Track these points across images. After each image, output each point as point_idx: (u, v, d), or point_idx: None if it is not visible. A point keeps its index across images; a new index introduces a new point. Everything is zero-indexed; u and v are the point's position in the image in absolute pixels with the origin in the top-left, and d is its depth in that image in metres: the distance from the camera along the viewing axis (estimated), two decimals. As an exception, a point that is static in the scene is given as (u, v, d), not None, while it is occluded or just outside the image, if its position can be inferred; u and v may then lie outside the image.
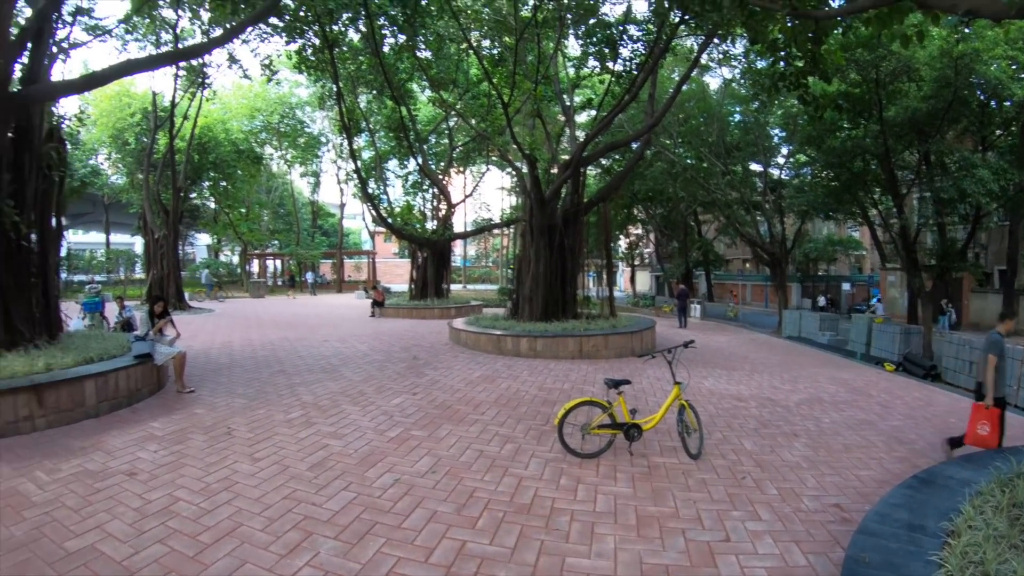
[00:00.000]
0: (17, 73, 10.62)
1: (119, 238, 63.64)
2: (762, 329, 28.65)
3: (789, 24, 8.69)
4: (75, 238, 64.06)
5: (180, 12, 25.25)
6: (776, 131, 31.85)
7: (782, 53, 10.15)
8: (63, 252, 11.95)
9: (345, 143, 34.36)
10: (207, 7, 21.52)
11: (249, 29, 16.60)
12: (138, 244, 57.15)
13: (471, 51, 22.80)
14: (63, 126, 12.00)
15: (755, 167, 34.85)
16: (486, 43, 22.36)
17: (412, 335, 19.10)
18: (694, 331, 24.34)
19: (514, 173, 26.52)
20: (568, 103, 20.63)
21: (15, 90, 10.20)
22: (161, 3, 23.91)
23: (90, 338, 11.26)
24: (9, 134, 10.02)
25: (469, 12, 21.21)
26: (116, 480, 6.09)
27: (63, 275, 30.25)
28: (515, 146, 19.24)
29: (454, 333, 17.47)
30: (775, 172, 34.26)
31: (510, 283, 41.34)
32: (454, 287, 34.60)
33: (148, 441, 7.42)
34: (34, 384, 7.86)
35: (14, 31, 10.52)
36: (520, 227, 22.97)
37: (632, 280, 63.66)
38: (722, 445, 7.82)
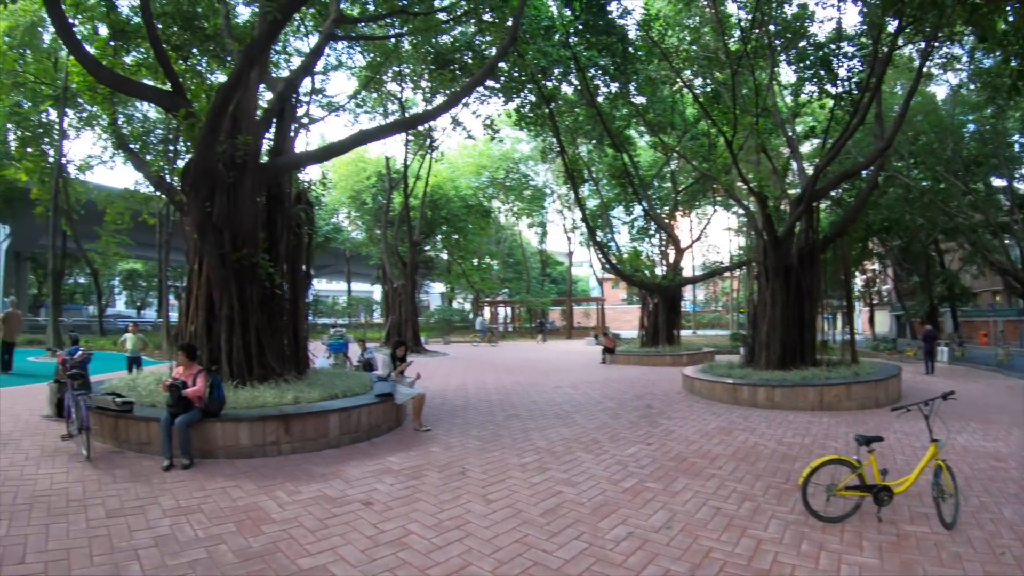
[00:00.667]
0: (266, 147, 12.31)
1: (359, 286, 70.68)
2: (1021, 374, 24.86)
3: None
4: (321, 286, 71.53)
5: (402, 84, 27.68)
6: (1018, 138, 28.69)
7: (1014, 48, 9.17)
8: (310, 299, 13.51)
9: (569, 193, 35.23)
10: (426, 78, 23.35)
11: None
12: (376, 292, 62.58)
13: (685, 90, 22.63)
14: (309, 190, 13.52)
15: (998, 182, 31.38)
16: (698, 81, 22.10)
17: (644, 382, 18.72)
18: (943, 378, 21.61)
19: (741, 212, 25.68)
20: (790, 133, 19.79)
21: (265, 161, 11.80)
22: (385, 78, 26.24)
23: (334, 376, 12.39)
24: (263, 199, 11.59)
25: (679, 52, 21.12)
26: (352, 508, 6.45)
27: (310, 319, 33.59)
28: (742, 184, 18.71)
29: (687, 381, 16.83)
30: (1022, 186, 30.56)
31: (741, 328, 39.81)
32: (684, 333, 33.99)
33: (385, 474, 7.80)
34: (283, 414, 8.88)
35: (259, 112, 12.22)
36: (754, 269, 22.13)
37: (871, 321, 58.28)
38: (979, 513, 6.74)
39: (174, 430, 8.02)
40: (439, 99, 25.10)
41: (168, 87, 11.26)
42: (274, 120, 12.41)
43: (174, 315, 38.12)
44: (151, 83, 14.41)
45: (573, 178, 27.24)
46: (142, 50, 15.33)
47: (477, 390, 16.29)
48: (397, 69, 26.52)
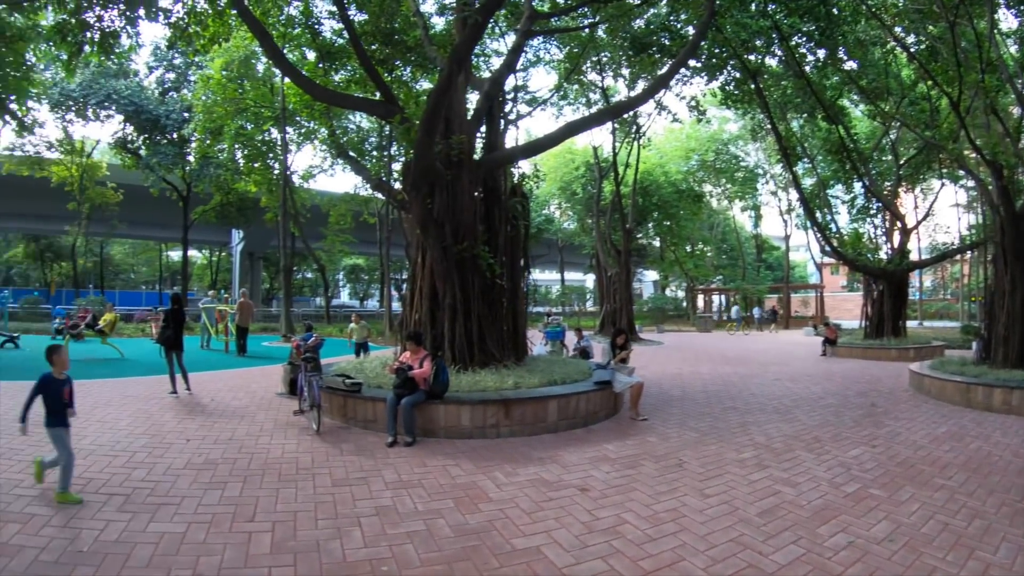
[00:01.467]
0: (479, 145, 12.97)
1: (571, 275, 71.38)
2: None
3: None
4: (535, 276, 73.70)
5: (603, 73, 27.71)
6: None
7: None
8: (528, 288, 13.99)
9: (783, 172, 33.31)
10: (626, 64, 23.18)
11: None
12: (588, 280, 62.86)
13: (898, 50, 20.97)
14: (523, 183, 14.03)
15: None
16: (911, 39, 20.17)
17: (867, 378, 17.36)
18: None
19: (971, 185, 22.93)
20: (1021, 89, 17.43)
21: (479, 158, 12.44)
22: (584, 68, 26.38)
23: (552, 363, 12.70)
24: (480, 193, 12.24)
25: (887, 8, 19.40)
26: (568, 493, 6.51)
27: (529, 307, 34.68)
28: (971, 152, 16.70)
29: (915, 378, 15.23)
30: None
31: (973, 319, 36.09)
32: (910, 324, 31.05)
33: (602, 461, 7.82)
34: (504, 398, 9.31)
35: (469, 113, 12.88)
36: (989, 251, 19.83)
37: None
38: None
39: (399, 410, 8.64)
40: (641, 85, 24.96)
41: (379, 98, 12.18)
42: (484, 119, 12.97)
43: (396, 305, 41.18)
44: (361, 96, 15.59)
45: (787, 155, 25.68)
46: (349, 68, 16.63)
47: (693, 380, 15.94)
48: (595, 59, 26.70)
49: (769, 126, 25.06)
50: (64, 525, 5.28)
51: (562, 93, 28.09)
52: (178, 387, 11.92)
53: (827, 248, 27.74)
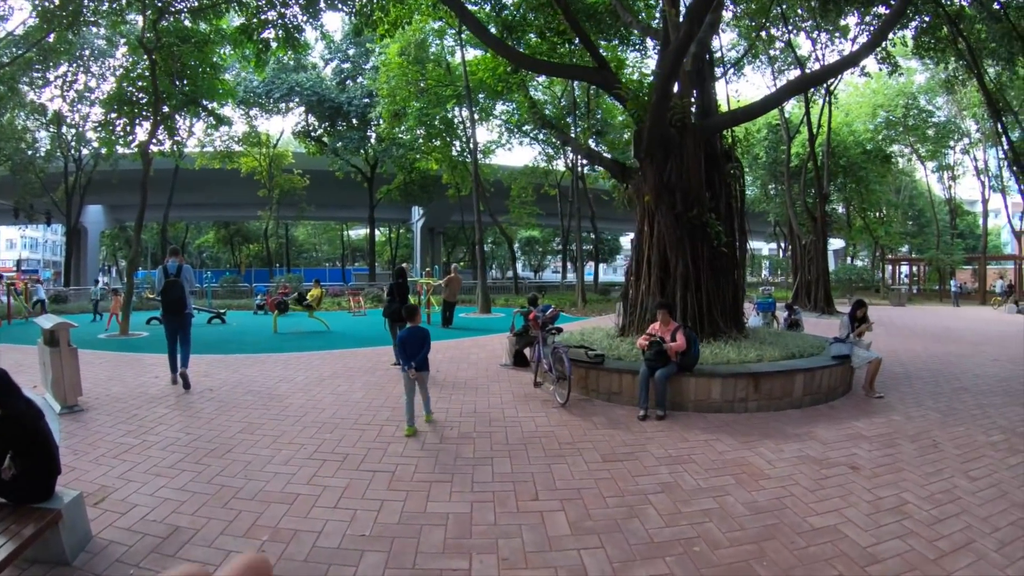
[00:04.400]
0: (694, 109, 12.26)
1: (752, 244, 68.53)
2: None
3: None
4: None
5: (788, 28, 25.94)
6: None
7: None
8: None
9: (977, 128, 29.83)
10: (828, 28, 21.49)
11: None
12: (763, 248, 59.54)
13: None
14: (734, 148, 13.25)
15: None
16: None
17: None
18: None
19: None
20: None
21: (699, 122, 11.78)
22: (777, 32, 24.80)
23: (777, 335, 12.19)
24: (702, 159, 11.58)
25: None
26: (839, 471, 6.17)
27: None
28: None
29: None
30: None
31: None
32: None
33: (858, 439, 7.38)
34: (753, 372, 8.79)
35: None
36: None
37: None
38: None
39: (652, 382, 8.28)
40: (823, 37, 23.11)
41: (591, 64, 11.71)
42: (695, 85, 12.37)
43: (570, 276, 40.83)
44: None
45: (994, 107, 22.98)
46: (530, 40, 16.37)
47: (911, 358, 14.68)
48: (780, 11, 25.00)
49: (967, 76, 22.34)
50: (334, 506, 5.21)
51: (754, 52, 26.53)
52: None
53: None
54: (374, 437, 7.20)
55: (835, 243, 62.37)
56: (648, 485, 5.68)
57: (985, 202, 50.82)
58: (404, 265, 15.86)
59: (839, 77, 30.62)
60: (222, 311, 22.59)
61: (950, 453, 6.89)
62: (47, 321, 9.05)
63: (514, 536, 4.63)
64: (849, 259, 62.48)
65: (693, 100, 12.39)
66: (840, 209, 47.05)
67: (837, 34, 25.57)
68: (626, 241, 79.37)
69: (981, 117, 41.39)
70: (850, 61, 14.75)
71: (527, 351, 11.78)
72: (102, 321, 21.42)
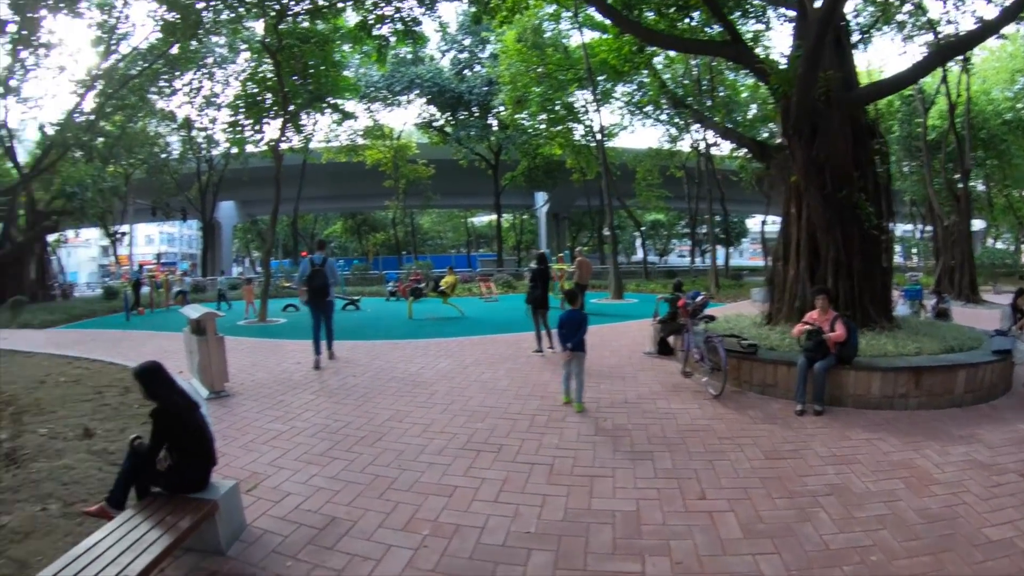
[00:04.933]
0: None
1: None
2: None
3: None
4: None
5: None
6: None
7: None
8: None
9: None
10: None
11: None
12: (897, 230, 56.09)
13: None
14: (877, 123, 12.44)
15: None
16: None
17: None
18: None
19: None
20: None
21: (844, 95, 11.00)
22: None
23: (929, 326, 11.34)
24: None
25: None
26: (1011, 479, 5.68)
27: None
28: None
29: None
30: None
31: None
32: None
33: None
34: (915, 366, 8.17)
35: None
36: None
37: None
38: None
39: (811, 375, 7.89)
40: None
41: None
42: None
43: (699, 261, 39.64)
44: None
45: None
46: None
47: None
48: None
49: None
50: (494, 500, 5.13)
51: (886, 16, 24.71)
52: (543, 346, 11.84)
53: None
54: (526, 428, 7.12)
55: (974, 224, 58.00)
56: (816, 486, 5.37)
57: None
58: (545, 251, 15.73)
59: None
60: (356, 298, 23.11)
61: None
62: (193, 311, 9.46)
63: (685, 538, 4.44)
64: (991, 241, 57.90)
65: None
66: (980, 187, 43.62)
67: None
68: (752, 224, 77.16)
69: None
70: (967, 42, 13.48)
71: (671, 339, 11.48)
72: (229, 309, 22.43)
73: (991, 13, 14.81)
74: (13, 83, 25.66)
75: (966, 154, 28.55)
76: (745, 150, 18.18)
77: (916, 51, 27.65)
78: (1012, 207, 42.87)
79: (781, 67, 11.06)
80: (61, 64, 32.29)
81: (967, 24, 28.36)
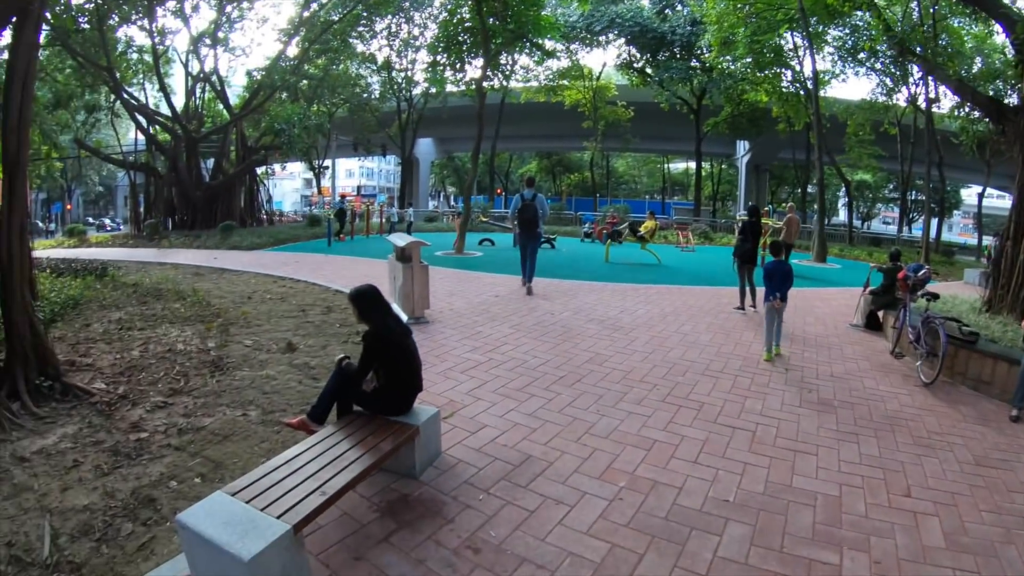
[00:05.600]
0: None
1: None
2: None
3: None
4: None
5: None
6: None
7: None
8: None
9: None
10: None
11: None
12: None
13: None
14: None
15: None
16: None
17: None
18: None
19: None
20: None
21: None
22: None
23: None
24: None
25: None
26: None
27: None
28: None
29: None
30: None
31: None
32: None
33: None
34: None
35: None
36: None
37: None
38: None
39: None
40: None
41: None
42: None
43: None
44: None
45: None
46: None
47: None
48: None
49: None
50: (693, 460, 5.02)
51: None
52: (746, 303, 11.49)
53: None
54: (729, 388, 6.96)
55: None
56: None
57: None
58: (757, 204, 15.11)
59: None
60: (552, 236, 23.15)
61: None
62: (400, 239, 9.89)
63: (886, 536, 4.16)
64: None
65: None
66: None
67: None
68: (967, 195, 69.23)
69: None
70: None
71: (881, 314, 10.79)
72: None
73: None
74: (221, 35, 28.24)
75: None
76: (976, 109, 16.31)
77: None
78: None
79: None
80: (264, 15, 34.70)
81: None
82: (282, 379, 6.40)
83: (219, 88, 30.51)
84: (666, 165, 76.24)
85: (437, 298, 10.69)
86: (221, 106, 31.80)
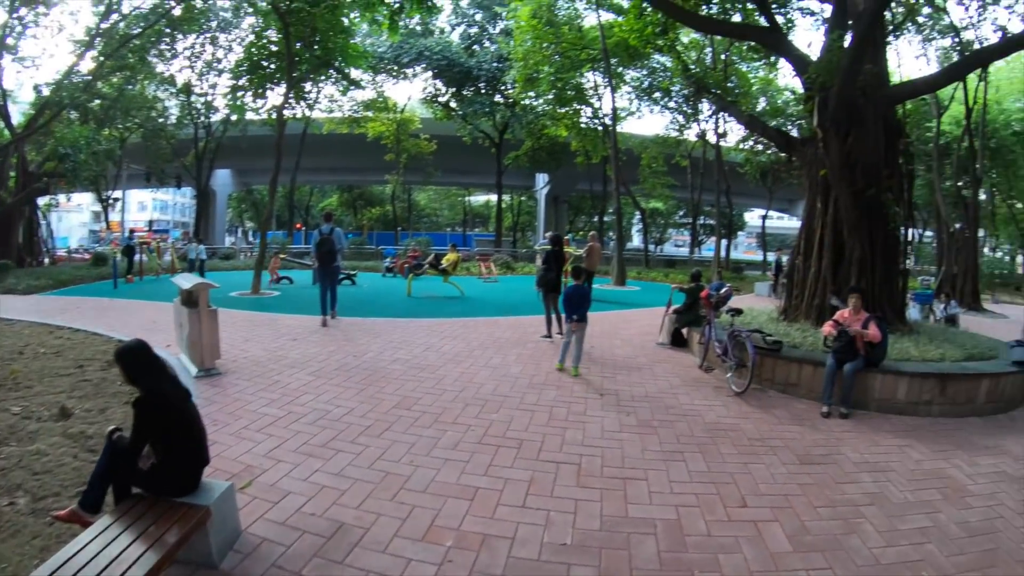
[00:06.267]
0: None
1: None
2: None
3: None
4: None
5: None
6: None
7: None
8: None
9: None
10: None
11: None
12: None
13: None
14: (905, 121, 12.36)
15: None
16: None
17: None
18: None
19: None
20: None
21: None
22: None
23: (942, 332, 11.23)
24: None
25: None
26: None
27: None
28: None
29: None
30: None
31: None
32: None
33: None
34: (941, 372, 8.10)
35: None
36: None
37: None
38: None
39: (839, 377, 7.72)
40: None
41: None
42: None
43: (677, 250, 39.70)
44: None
45: None
46: None
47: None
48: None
49: None
50: (521, 505, 4.75)
51: (912, 17, 24.61)
52: (552, 331, 11.51)
53: None
54: (546, 421, 6.77)
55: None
56: (855, 495, 5.23)
57: None
58: (559, 233, 15.43)
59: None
60: (352, 272, 22.47)
61: None
62: (185, 281, 8.90)
63: (733, 551, 4.19)
64: (989, 251, 58.00)
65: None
66: (982, 195, 43.72)
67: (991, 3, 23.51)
68: (751, 217, 78.08)
69: None
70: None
71: (685, 331, 11.28)
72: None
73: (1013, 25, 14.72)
74: (10, 41, 24.85)
75: (979, 162, 28.77)
76: (767, 142, 18.02)
77: (933, 55, 28.11)
78: (1015, 218, 42.96)
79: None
80: (60, 22, 30.98)
81: (986, 31, 28.44)
82: (55, 454, 5.32)
83: (1, 103, 26.55)
84: (467, 198, 78.03)
85: (230, 345, 9.78)
86: (1, 124, 27.61)
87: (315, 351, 9.81)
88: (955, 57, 28.54)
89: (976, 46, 25.68)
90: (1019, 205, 43.38)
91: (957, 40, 25.82)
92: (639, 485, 5.13)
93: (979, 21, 24.69)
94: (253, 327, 11.94)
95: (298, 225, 57.44)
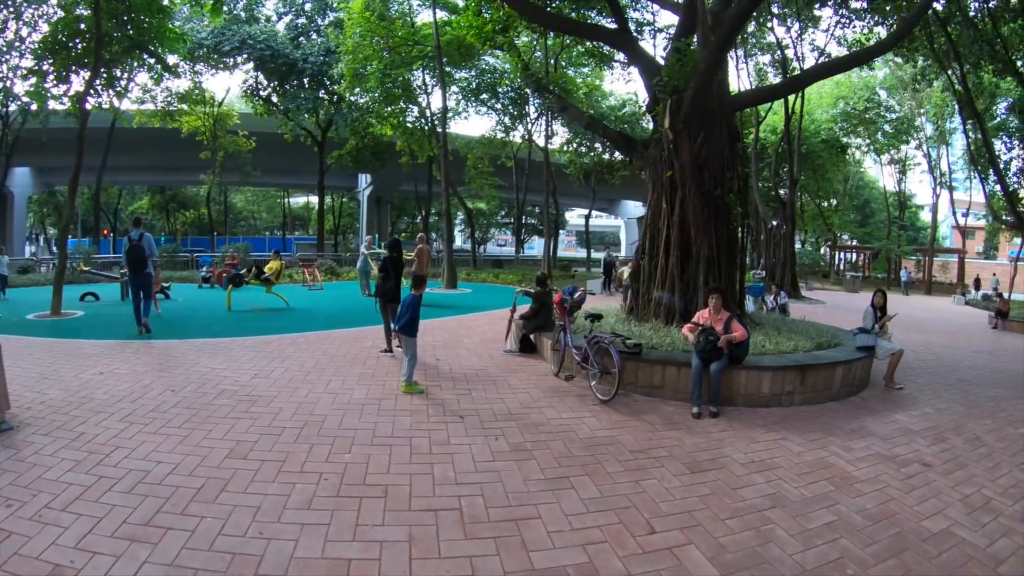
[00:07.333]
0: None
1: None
2: None
3: None
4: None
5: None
6: None
7: None
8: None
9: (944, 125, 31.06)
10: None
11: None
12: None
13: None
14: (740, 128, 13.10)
15: None
16: None
17: None
18: None
19: None
20: None
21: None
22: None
23: (784, 323, 12.18)
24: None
25: None
26: (915, 469, 6.14)
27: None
28: None
29: None
30: None
31: None
32: None
33: (909, 434, 7.39)
34: (801, 364, 8.60)
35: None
36: None
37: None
38: None
39: (708, 377, 7.79)
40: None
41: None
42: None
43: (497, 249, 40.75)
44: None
45: (973, 107, 23.89)
46: None
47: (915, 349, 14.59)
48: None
49: (934, 75, 24.60)
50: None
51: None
52: (393, 345, 10.59)
53: (1014, 210, 26.35)
54: (408, 457, 5.85)
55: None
56: (755, 499, 5.21)
57: (936, 197, 52.19)
58: (399, 237, 14.57)
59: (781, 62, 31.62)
60: (165, 285, 19.79)
61: (995, 446, 7.14)
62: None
63: None
64: (800, 245, 63.61)
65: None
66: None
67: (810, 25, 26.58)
68: (572, 216, 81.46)
69: (938, 117, 44.69)
70: (883, 47, 14.47)
71: (533, 336, 10.99)
72: (4, 300, 18.85)
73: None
74: None
75: (796, 165, 32.37)
76: (607, 142, 18.52)
77: (752, 69, 31.70)
78: (822, 215, 49.59)
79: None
80: None
81: (804, 50, 31.70)
82: None
83: None
84: (287, 199, 75.51)
85: (24, 387, 7.79)
86: None
87: (126, 387, 8.00)
88: (771, 73, 31.76)
89: (795, 64, 28.58)
90: (825, 204, 48.62)
91: (781, 55, 28.98)
92: (534, 525, 4.52)
93: (798, 39, 27.42)
94: (53, 359, 9.69)
95: (105, 232, 52.36)
